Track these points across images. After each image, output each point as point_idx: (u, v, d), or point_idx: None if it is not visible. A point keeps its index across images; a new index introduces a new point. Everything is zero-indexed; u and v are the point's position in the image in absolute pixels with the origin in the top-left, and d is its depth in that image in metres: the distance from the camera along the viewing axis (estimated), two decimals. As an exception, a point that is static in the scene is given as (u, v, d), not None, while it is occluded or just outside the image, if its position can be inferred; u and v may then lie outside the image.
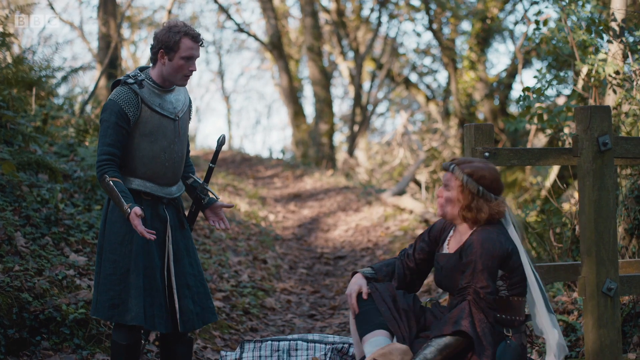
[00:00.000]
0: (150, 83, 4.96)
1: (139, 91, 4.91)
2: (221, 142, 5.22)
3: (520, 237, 4.39)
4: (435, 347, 4.23)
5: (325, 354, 4.91)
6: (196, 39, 4.93)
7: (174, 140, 5.04)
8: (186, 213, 5.27)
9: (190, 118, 5.24)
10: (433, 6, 23.63)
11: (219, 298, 8.10)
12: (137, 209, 4.73)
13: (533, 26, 8.42)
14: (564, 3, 7.92)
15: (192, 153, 21.98)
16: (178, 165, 5.09)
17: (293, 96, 24.85)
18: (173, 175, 5.05)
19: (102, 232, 4.96)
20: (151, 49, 4.98)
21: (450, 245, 4.51)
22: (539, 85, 7.83)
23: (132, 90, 4.91)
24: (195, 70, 4.98)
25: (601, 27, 7.67)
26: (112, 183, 4.78)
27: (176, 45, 4.87)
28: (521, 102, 7.84)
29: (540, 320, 4.35)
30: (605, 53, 7.55)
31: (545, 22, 8.26)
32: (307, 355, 4.96)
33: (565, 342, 4.38)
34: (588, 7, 8.03)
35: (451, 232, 4.56)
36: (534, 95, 7.74)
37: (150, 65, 5.06)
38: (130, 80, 4.94)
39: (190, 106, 5.22)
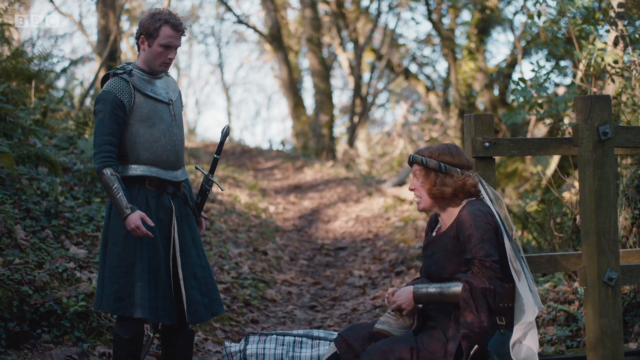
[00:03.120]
0: (138, 71, 5.01)
1: (129, 79, 4.94)
2: (225, 133, 5.23)
3: (498, 212, 4.40)
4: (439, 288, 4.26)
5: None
6: (177, 27, 4.96)
7: (172, 124, 5.06)
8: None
9: (182, 106, 5.26)
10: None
11: (220, 290, 8.10)
12: (141, 213, 4.76)
13: (534, 15, 8.38)
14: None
15: (192, 145, 22.00)
16: (179, 149, 5.10)
17: (293, 88, 24.83)
18: (176, 158, 5.06)
19: (107, 225, 4.95)
20: (135, 35, 5.03)
21: (439, 231, 4.52)
22: (535, 77, 7.81)
23: (123, 79, 4.94)
24: (173, 58, 5.04)
25: (601, 17, 7.66)
26: (114, 178, 4.78)
27: (156, 32, 4.91)
28: (516, 95, 7.82)
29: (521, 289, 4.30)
30: (605, 43, 7.54)
31: (539, 15, 8.24)
32: (312, 352, 4.96)
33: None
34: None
35: (438, 223, 4.58)
36: (532, 87, 7.73)
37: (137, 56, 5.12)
38: (120, 71, 4.99)
39: (180, 94, 5.25)
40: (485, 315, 4.10)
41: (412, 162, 4.49)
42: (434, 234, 4.56)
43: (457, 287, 4.20)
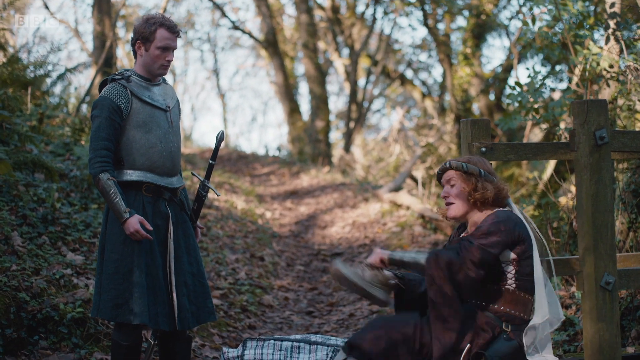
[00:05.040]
0: (136, 77, 5.02)
1: (127, 85, 4.95)
2: (220, 138, 5.23)
3: (528, 222, 4.45)
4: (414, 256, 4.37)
5: (327, 355, 4.91)
6: (172, 29, 4.98)
7: (168, 130, 5.05)
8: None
9: (180, 114, 5.26)
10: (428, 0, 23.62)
11: (217, 296, 8.10)
12: (140, 217, 4.76)
13: (528, 21, 8.40)
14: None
15: (188, 151, 22.00)
16: (176, 156, 5.09)
17: (289, 93, 24.84)
18: (172, 165, 5.06)
19: (104, 232, 4.94)
20: (131, 41, 5.03)
21: (466, 234, 4.56)
22: (531, 82, 7.82)
23: (121, 85, 4.95)
24: (171, 60, 5.05)
25: (598, 22, 7.68)
26: (111, 183, 4.78)
27: (152, 35, 4.93)
28: (512, 99, 7.83)
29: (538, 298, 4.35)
30: (600, 47, 7.56)
31: (534, 20, 8.26)
32: (309, 357, 4.95)
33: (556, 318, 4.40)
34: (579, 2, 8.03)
35: (466, 228, 4.62)
36: (531, 91, 7.74)
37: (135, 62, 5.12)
38: (118, 77, 5.00)
39: (178, 102, 5.25)
40: (444, 283, 4.17)
41: (448, 168, 4.52)
42: (460, 236, 4.61)
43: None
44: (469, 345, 4.19)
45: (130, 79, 5.00)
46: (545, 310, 4.30)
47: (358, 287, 4.44)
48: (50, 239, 7.10)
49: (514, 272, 4.30)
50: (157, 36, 4.94)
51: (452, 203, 4.51)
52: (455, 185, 4.48)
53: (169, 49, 4.99)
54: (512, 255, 4.29)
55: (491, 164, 4.84)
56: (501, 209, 4.45)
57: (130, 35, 5.05)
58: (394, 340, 4.22)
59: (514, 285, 4.31)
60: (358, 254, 11.52)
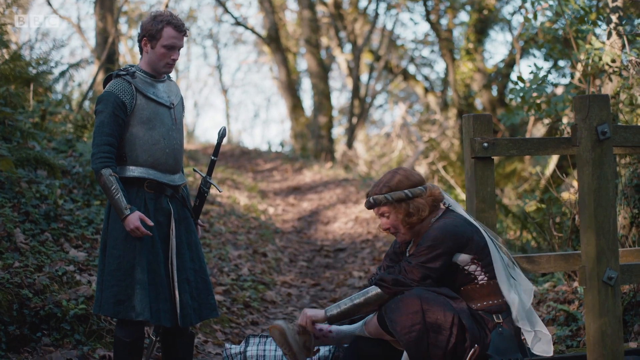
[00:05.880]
0: (141, 74, 5.01)
1: (132, 81, 4.95)
2: (222, 134, 5.23)
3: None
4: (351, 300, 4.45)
5: (330, 351, 4.92)
6: (179, 28, 4.97)
7: (172, 127, 5.05)
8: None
9: (183, 111, 5.26)
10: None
11: (220, 292, 8.10)
12: (140, 214, 4.76)
13: (530, 17, 8.39)
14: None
15: (191, 147, 22.00)
16: (178, 153, 5.09)
17: (291, 89, 24.82)
18: (174, 162, 5.06)
19: (106, 228, 4.94)
20: (137, 37, 5.03)
21: (411, 250, 4.60)
22: (533, 77, 7.82)
23: (126, 81, 4.95)
24: (177, 59, 5.04)
25: (600, 16, 7.67)
26: (113, 179, 4.78)
27: (158, 33, 4.93)
28: (515, 94, 7.83)
29: (502, 287, 4.39)
30: (603, 42, 7.55)
31: (536, 16, 8.25)
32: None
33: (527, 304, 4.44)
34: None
35: (411, 242, 4.65)
36: (532, 86, 7.73)
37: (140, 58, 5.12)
38: (123, 72, 4.99)
39: (182, 99, 5.24)
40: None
41: (373, 205, 4.53)
42: (407, 252, 4.63)
43: (370, 292, 4.38)
44: (476, 346, 4.20)
45: (135, 75, 5.00)
46: (529, 284, 4.38)
47: (292, 351, 4.55)
48: (52, 235, 7.10)
49: (479, 268, 4.34)
50: (163, 34, 4.94)
51: (395, 233, 4.54)
52: (390, 216, 4.49)
53: (175, 47, 4.99)
54: (469, 256, 4.32)
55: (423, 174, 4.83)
56: (440, 217, 4.48)
57: (134, 31, 5.05)
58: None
59: (485, 279, 4.34)
60: (361, 250, 11.52)
